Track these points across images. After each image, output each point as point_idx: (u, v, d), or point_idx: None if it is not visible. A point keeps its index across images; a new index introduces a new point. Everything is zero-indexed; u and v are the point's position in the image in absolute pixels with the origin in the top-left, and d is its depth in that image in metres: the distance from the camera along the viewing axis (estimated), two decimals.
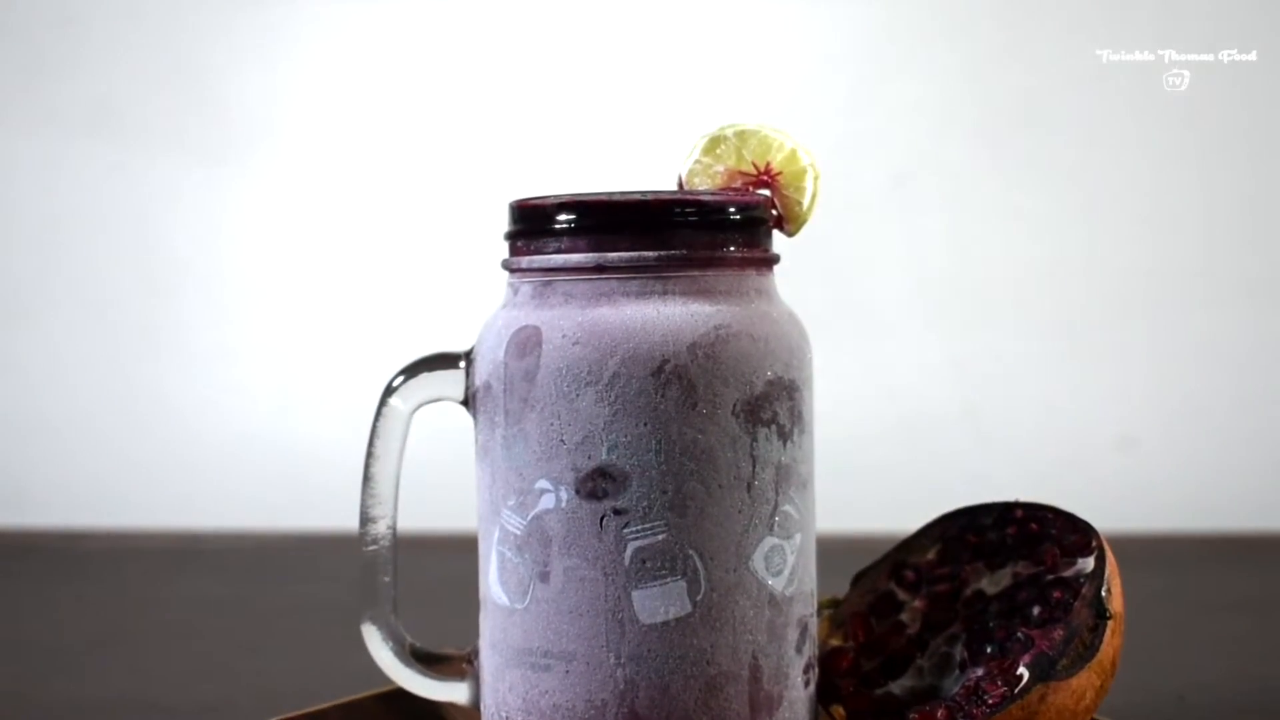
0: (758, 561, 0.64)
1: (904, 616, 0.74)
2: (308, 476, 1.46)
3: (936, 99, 1.38)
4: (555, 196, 0.65)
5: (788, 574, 0.65)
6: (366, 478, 0.69)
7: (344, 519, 1.18)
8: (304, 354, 1.47)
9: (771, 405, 0.64)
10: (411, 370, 0.68)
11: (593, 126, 1.42)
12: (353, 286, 1.47)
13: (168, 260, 1.49)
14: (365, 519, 0.69)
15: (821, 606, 0.75)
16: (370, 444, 0.69)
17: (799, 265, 0.84)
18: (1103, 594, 0.66)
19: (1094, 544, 0.69)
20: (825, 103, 1.39)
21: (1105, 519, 0.79)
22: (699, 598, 0.63)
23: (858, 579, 0.77)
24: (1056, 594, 0.67)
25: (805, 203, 0.68)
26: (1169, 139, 1.30)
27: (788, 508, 0.65)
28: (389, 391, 0.69)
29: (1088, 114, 1.29)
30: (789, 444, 0.65)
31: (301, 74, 1.47)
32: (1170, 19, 1.22)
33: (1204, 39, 1.21)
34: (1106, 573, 0.67)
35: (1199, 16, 1.21)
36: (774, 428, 0.64)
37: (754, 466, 0.64)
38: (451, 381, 0.68)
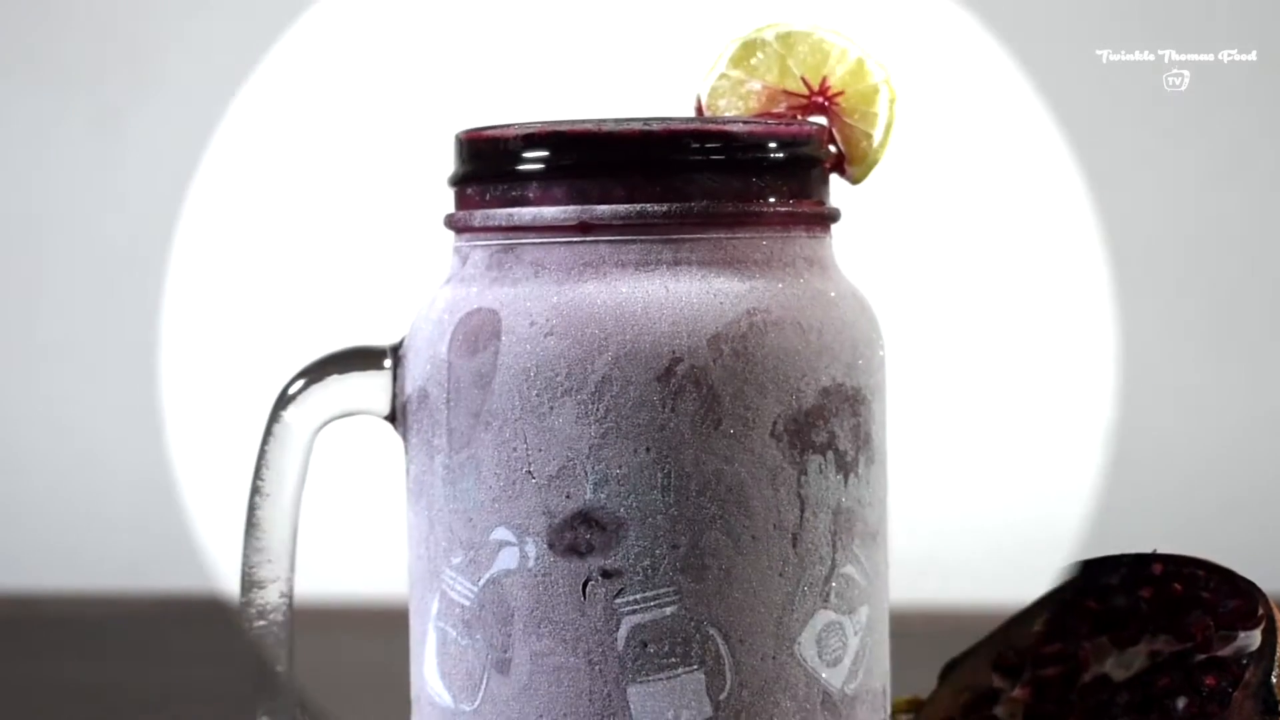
0: (807, 645, 0.64)
1: (999, 710, 0.74)
2: (176, 521, 1.45)
3: None
4: (521, 124, 0.65)
5: (849, 663, 0.65)
6: (251, 524, 0.69)
7: (224, 579, 1.20)
8: (168, 348, 1.47)
9: (827, 424, 0.64)
10: (316, 371, 0.69)
11: (576, 27, 1.42)
12: (236, 253, 1.46)
13: None
14: (250, 583, 0.69)
15: (897, 709, 0.75)
16: (256, 476, 0.69)
17: (868, 225, 0.83)
18: (1273, 680, 0.67)
19: (1260, 612, 0.69)
20: None
21: (1277, 577, 0.79)
22: (723, 696, 0.63)
23: (948, 671, 0.77)
24: (1209, 680, 0.68)
25: (877, 136, 0.68)
26: None
27: (849, 569, 0.65)
28: (283, 401, 0.69)
29: None
30: (851, 479, 0.65)
31: None
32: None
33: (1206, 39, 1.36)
34: (1279, 652, 0.68)
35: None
36: (831, 455, 0.64)
37: (802, 510, 0.64)
38: (372, 387, 0.68)
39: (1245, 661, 0.68)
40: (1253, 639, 0.69)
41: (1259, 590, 0.70)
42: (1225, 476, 1.39)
